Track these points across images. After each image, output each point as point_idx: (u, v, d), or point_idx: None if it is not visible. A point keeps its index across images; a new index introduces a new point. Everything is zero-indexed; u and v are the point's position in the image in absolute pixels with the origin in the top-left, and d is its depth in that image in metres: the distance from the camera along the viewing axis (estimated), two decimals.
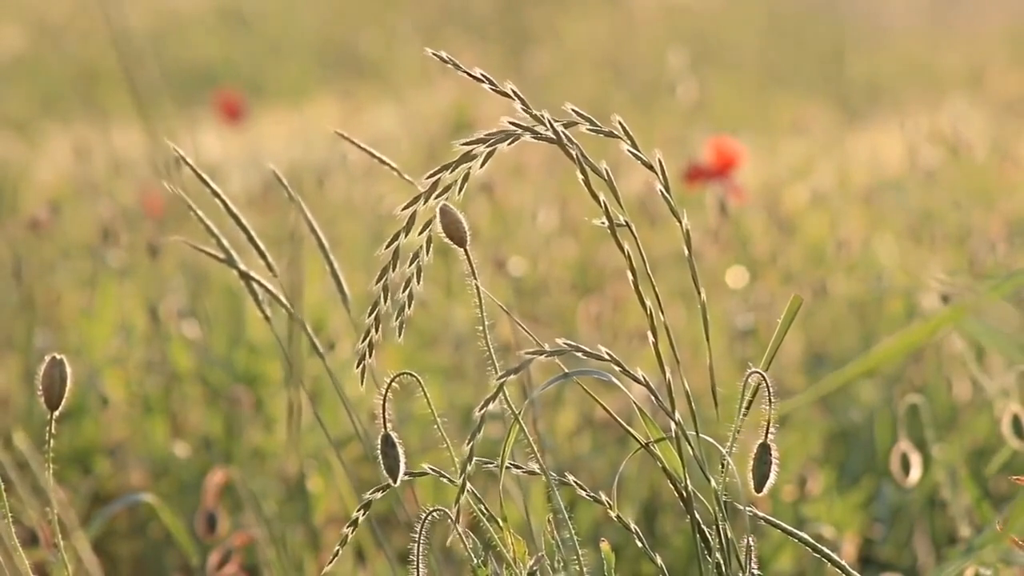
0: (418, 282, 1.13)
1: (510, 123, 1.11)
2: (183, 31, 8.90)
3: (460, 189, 1.12)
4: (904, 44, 7.88)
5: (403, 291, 1.13)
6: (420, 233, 1.12)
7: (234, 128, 4.14)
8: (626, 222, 1.12)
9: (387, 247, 1.12)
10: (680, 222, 1.13)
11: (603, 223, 1.12)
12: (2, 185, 4.15)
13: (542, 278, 3.16)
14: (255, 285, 1.27)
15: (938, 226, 3.27)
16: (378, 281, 1.13)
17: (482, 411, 1.08)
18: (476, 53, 6.14)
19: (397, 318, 1.13)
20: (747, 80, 6.93)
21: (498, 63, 6.58)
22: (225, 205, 1.24)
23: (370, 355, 1.14)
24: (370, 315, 1.13)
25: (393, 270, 1.13)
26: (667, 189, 1.13)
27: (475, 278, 1.11)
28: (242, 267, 1.26)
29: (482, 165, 1.12)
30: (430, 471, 1.16)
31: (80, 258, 3.23)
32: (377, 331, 1.14)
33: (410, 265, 1.12)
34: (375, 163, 1.26)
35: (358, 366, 1.14)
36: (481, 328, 1.13)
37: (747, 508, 1.12)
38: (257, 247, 1.26)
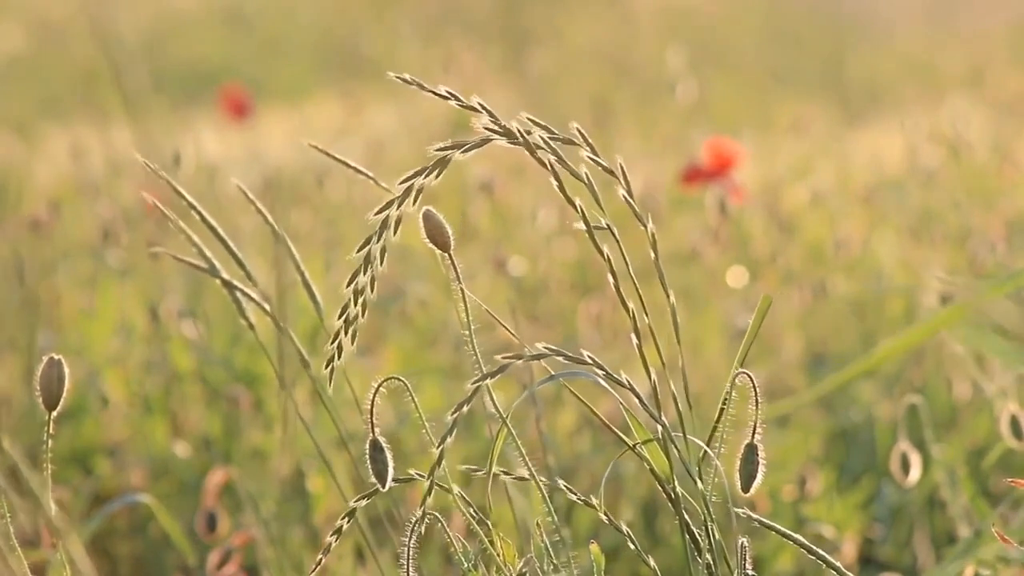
0: (371, 291, 1.13)
1: (486, 128, 1.11)
2: (183, 31, 8.90)
3: (415, 201, 1.12)
4: (904, 44, 7.88)
5: (355, 304, 1.13)
6: (378, 242, 1.12)
7: (237, 126, 4.14)
8: (607, 225, 1.12)
9: (359, 251, 1.12)
10: (645, 227, 1.13)
11: (583, 228, 1.12)
12: (2, 185, 4.15)
13: (542, 278, 3.16)
14: (238, 294, 1.27)
15: (938, 226, 3.27)
16: (348, 284, 1.13)
17: (455, 415, 1.08)
18: (476, 53, 6.13)
19: (348, 329, 1.13)
20: (747, 80, 6.93)
21: (498, 63, 6.58)
22: (200, 216, 1.24)
23: (339, 358, 1.15)
24: (340, 318, 1.14)
25: (364, 274, 1.13)
26: (630, 194, 1.13)
27: (459, 282, 1.11)
28: (225, 276, 1.26)
29: (438, 176, 1.12)
30: (415, 476, 1.16)
31: (80, 258, 3.23)
32: (347, 333, 1.14)
33: (364, 274, 1.12)
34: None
35: (327, 367, 1.15)
36: (468, 332, 1.13)
37: (737, 510, 1.12)
38: (235, 257, 1.26)
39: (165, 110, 5.25)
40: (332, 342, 1.14)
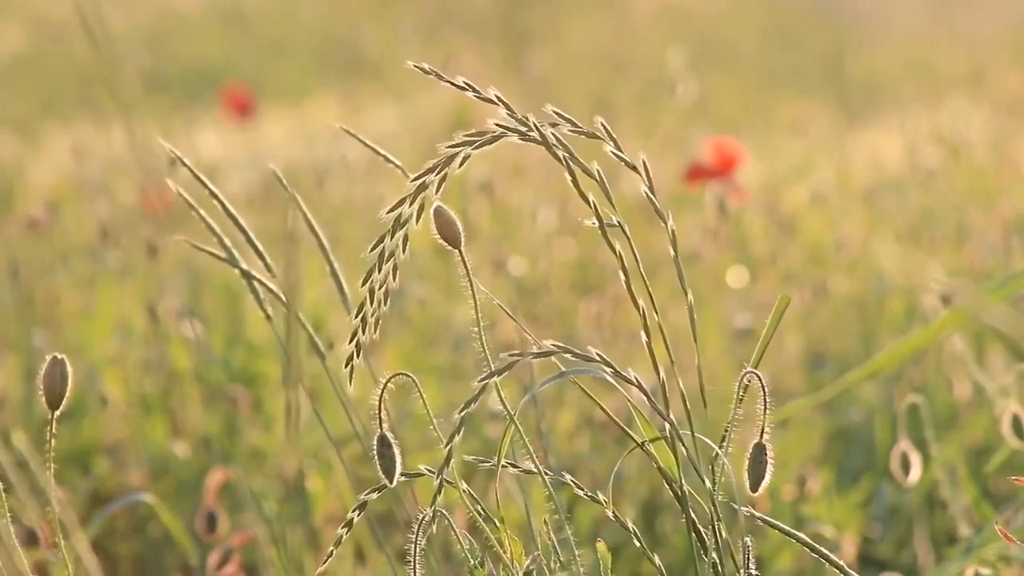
0: (394, 279, 1.12)
1: (496, 124, 1.11)
2: (184, 31, 8.90)
3: (438, 189, 1.11)
4: (904, 44, 7.88)
5: (379, 288, 1.12)
6: (399, 230, 1.11)
7: (240, 125, 4.14)
8: (618, 222, 1.11)
9: (372, 249, 1.12)
10: (665, 223, 1.13)
11: (594, 224, 1.11)
12: (1, 185, 4.15)
13: (542, 278, 3.16)
14: (256, 284, 1.27)
15: (938, 226, 3.27)
16: (363, 283, 1.12)
17: (462, 413, 1.08)
18: (476, 53, 6.13)
19: (373, 315, 1.12)
20: (747, 80, 6.93)
21: (498, 63, 6.58)
22: (223, 205, 1.24)
23: (358, 356, 1.14)
24: (356, 316, 1.13)
25: (379, 271, 1.12)
26: (652, 190, 1.12)
27: (470, 279, 1.11)
28: (243, 266, 1.26)
29: (460, 165, 1.11)
30: (426, 471, 1.16)
31: (79, 258, 3.23)
32: (364, 332, 1.13)
33: (386, 262, 1.12)
34: (375, 162, 1.26)
35: (346, 366, 1.14)
36: (478, 329, 1.13)
37: (743, 508, 1.12)
38: (255, 247, 1.26)
39: (166, 110, 5.25)
40: (350, 340, 1.14)
